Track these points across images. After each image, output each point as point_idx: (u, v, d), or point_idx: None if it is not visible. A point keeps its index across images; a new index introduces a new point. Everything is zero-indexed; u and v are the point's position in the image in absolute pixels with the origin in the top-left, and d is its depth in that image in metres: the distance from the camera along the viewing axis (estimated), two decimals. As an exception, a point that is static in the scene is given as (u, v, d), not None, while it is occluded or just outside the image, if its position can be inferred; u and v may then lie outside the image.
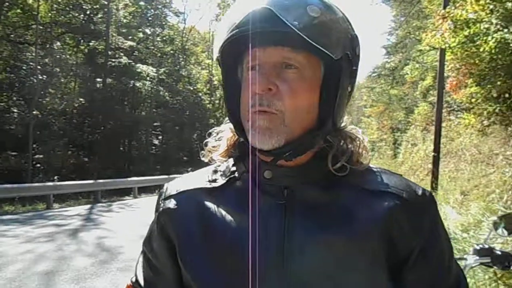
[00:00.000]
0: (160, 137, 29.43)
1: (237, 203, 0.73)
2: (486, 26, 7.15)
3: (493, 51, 7.04)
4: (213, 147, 0.84)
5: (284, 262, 0.68)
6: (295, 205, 0.72)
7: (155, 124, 28.02)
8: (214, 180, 0.79)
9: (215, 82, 33.19)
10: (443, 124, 10.46)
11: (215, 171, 0.81)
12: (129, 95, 26.11)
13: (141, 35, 27.38)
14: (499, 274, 3.31)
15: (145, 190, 17.32)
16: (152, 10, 28.98)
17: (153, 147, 28.42)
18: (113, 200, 14.64)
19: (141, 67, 23.92)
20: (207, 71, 33.64)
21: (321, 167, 0.74)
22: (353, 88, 0.77)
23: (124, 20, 25.30)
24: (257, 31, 0.66)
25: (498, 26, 6.99)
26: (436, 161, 9.53)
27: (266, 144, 0.69)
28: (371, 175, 0.76)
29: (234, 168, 0.79)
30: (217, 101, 33.05)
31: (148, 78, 24.47)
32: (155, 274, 0.81)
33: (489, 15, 7.11)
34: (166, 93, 26.73)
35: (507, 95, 8.81)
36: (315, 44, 0.65)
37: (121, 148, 26.19)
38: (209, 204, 0.76)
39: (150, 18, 28.85)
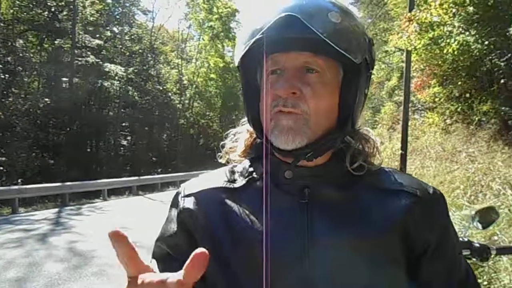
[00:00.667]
0: (128, 138, 28.74)
1: (259, 202, 0.72)
2: (449, 29, 7.47)
3: (455, 52, 7.36)
4: (230, 148, 0.88)
5: (307, 259, 0.70)
6: (315, 204, 0.74)
7: (123, 124, 27.39)
8: (234, 181, 0.80)
9: (185, 82, 32.79)
10: (409, 123, 10.79)
11: (233, 172, 0.83)
12: (96, 95, 25.39)
13: (108, 33, 26.69)
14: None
15: (114, 192, 16.87)
16: (119, 8, 28.35)
17: (122, 148, 27.76)
18: (82, 203, 14.19)
19: (109, 66, 23.35)
20: (177, 70, 33.21)
21: (339, 167, 0.77)
22: (368, 90, 0.81)
23: (91, 18, 24.56)
24: (284, 37, 0.69)
25: (460, 29, 7.33)
26: (403, 159, 9.82)
27: (289, 145, 0.72)
28: (385, 175, 0.80)
29: (251, 169, 0.81)
30: (186, 101, 32.61)
31: (116, 78, 23.92)
32: (176, 265, 0.80)
33: (452, 18, 7.43)
34: (135, 93, 26.22)
35: (468, 95, 9.24)
36: (339, 49, 0.68)
37: (88, 150, 25.46)
38: (230, 203, 0.77)
39: (117, 16, 28.22)
